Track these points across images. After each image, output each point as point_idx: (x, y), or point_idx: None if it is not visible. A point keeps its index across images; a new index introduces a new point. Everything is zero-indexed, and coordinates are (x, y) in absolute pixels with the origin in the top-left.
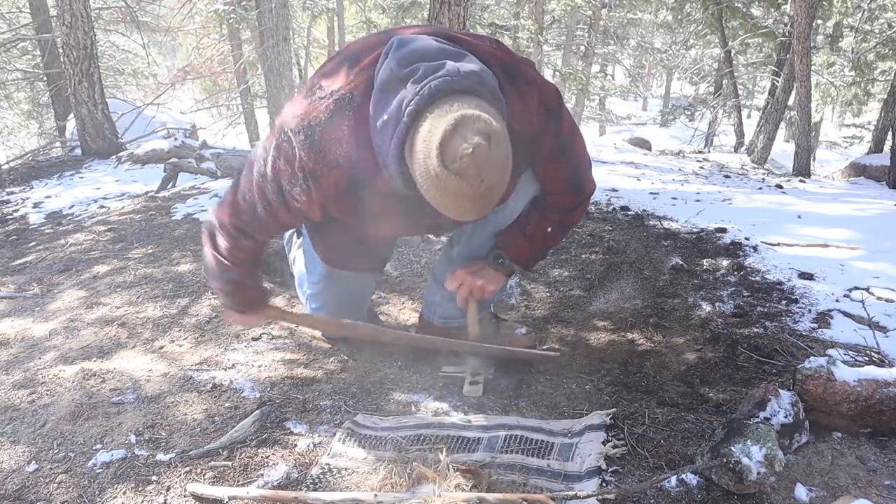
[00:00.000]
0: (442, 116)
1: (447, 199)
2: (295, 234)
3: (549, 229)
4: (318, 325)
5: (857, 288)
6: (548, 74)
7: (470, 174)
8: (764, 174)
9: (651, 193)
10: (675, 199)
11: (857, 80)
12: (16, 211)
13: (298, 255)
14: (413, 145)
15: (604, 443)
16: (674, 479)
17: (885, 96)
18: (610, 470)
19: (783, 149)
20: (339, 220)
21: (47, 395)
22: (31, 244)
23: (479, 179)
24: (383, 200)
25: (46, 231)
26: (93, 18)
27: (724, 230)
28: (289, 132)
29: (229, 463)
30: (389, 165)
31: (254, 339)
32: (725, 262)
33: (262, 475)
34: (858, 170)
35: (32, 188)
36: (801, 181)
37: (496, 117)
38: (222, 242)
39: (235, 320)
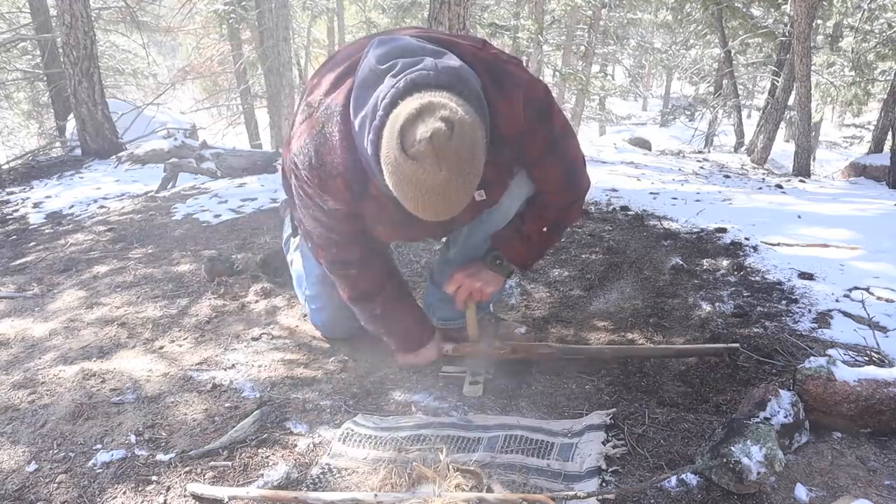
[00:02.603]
0: (408, 103)
1: (405, 187)
2: (293, 235)
3: (545, 229)
4: (506, 354)
5: (857, 288)
6: (548, 74)
7: (427, 160)
8: (764, 174)
9: (651, 193)
10: (675, 199)
11: (857, 80)
12: (16, 211)
13: (296, 257)
14: (383, 136)
15: (604, 443)
16: (674, 479)
17: (885, 96)
18: (610, 470)
19: (783, 149)
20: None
21: (47, 395)
22: (31, 244)
23: (437, 167)
24: (376, 204)
25: (46, 231)
26: (93, 18)
27: (724, 230)
28: (295, 159)
29: (229, 463)
30: (369, 163)
31: (254, 339)
32: (725, 262)
33: (262, 475)
34: (858, 170)
35: (32, 188)
36: (801, 181)
37: (468, 112)
38: (343, 287)
39: (411, 363)
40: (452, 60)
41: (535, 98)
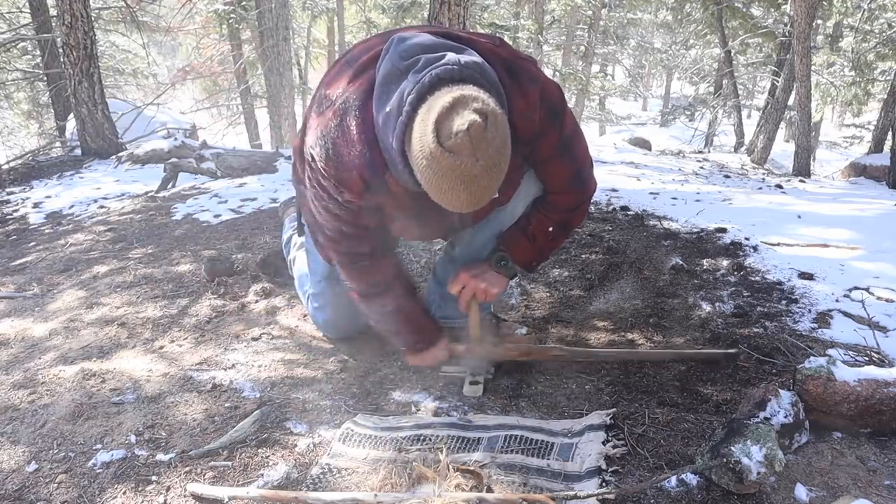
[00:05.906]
0: (440, 97)
1: (440, 179)
2: (295, 234)
3: (551, 229)
4: (517, 354)
5: (857, 288)
6: (548, 74)
7: (464, 152)
8: (764, 174)
9: (651, 193)
10: (675, 199)
11: (857, 80)
12: (16, 211)
13: (299, 256)
14: (412, 130)
15: (604, 443)
16: (674, 479)
17: (885, 96)
18: (610, 470)
19: (783, 149)
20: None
21: (47, 395)
22: (31, 244)
23: (474, 158)
24: (394, 200)
25: (46, 231)
26: (93, 18)
27: (724, 230)
28: (311, 152)
29: (229, 463)
30: (394, 158)
31: (254, 339)
32: (725, 262)
33: (262, 475)
34: (858, 170)
35: (32, 188)
36: (801, 181)
37: (496, 104)
38: (354, 282)
39: (420, 362)
40: (473, 56)
41: (550, 97)
